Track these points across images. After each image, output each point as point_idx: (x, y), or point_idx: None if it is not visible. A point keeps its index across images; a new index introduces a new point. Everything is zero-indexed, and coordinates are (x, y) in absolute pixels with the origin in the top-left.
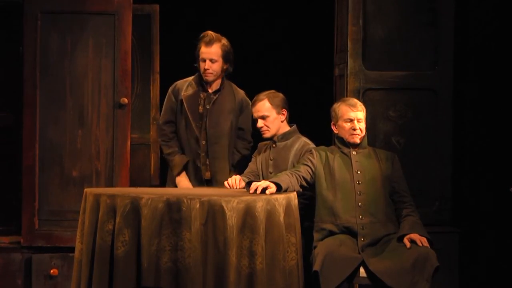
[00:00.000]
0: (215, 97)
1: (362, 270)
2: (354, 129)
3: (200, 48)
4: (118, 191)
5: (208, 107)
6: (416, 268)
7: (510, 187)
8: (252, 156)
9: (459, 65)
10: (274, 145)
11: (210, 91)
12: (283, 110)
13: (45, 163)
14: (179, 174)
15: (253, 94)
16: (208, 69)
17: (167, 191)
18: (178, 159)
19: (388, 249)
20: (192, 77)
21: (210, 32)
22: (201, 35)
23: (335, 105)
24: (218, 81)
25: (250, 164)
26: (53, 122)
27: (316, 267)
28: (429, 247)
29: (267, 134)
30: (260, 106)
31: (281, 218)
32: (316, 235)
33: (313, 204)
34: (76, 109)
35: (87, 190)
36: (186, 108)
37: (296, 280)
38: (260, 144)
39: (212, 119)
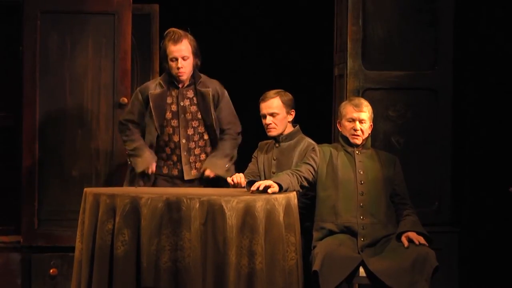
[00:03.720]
0: (188, 93)
1: (361, 270)
2: (355, 130)
3: (168, 47)
4: (118, 190)
5: (182, 103)
6: (416, 268)
7: (510, 187)
8: (252, 156)
9: (458, 65)
10: (277, 145)
11: (181, 86)
12: (292, 110)
13: (44, 163)
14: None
15: (252, 93)
16: (181, 67)
17: (167, 191)
18: (148, 155)
19: (388, 249)
20: (160, 77)
21: (174, 29)
22: (165, 33)
23: (342, 104)
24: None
25: (250, 164)
26: (53, 122)
27: (315, 267)
28: (427, 245)
29: (273, 132)
30: (271, 103)
31: (281, 218)
32: (315, 234)
33: (315, 204)
34: (75, 109)
35: (86, 189)
36: (152, 108)
37: (296, 280)
38: (261, 144)
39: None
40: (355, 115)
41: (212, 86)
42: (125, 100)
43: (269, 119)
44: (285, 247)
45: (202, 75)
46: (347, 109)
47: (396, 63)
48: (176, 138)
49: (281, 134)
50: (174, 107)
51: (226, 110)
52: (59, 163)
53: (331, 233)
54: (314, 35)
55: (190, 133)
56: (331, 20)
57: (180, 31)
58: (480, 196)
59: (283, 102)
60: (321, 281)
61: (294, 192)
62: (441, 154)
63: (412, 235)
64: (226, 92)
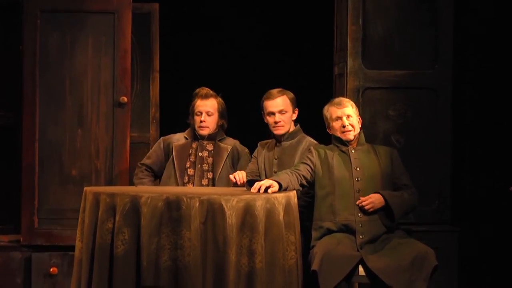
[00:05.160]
0: (208, 146)
1: (361, 268)
2: (344, 126)
3: (195, 102)
4: (118, 189)
5: (201, 154)
6: (415, 266)
7: (510, 186)
8: (252, 156)
9: (458, 64)
10: (278, 144)
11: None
12: (296, 109)
13: (44, 162)
14: None
15: (252, 93)
16: (204, 121)
17: (167, 189)
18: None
19: (388, 246)
20: (186, 131)
21: (205, 88)
22: (196, 90)
23: (324, 109)
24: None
25: (250, 164)
26: (53, 121)
27: (314, 266)
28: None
29: (281, 131)
30: (280, 101)
31: (281, 217)
32: (314, 234)
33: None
34: (75, 107)
35: (86, 188)
36: (175, 157)
37: (296, 279)
38: (261, 143)
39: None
40: (339, 112)
41: (232, 144)
42: (125, 99)
43: (278, 117)
44: (285, 246)
45: (226, 136)
46: (331, 111)
47: (396, 62)
48: (190, 186)
49: (287, 132)
50: (193, 158)
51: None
52: (59, 162)
53: (329, 232)
54: (314, 34)
55: (204, 183)
56: (331, 19)
57: (211, 91)
58: (480, 195)
59: (290, 100)
60: (320, 281)
61: (294, 191)
62: (441, 153)
63: (371, 196)
64: (246, 149)
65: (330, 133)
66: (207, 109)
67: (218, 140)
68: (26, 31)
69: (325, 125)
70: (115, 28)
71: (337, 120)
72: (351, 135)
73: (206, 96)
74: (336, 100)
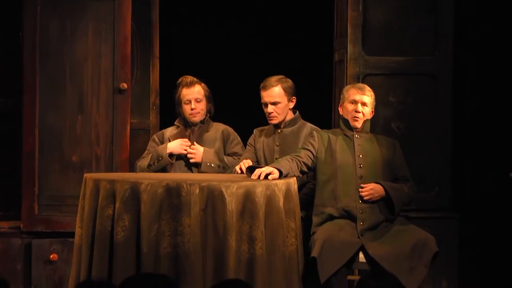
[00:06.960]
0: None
1: (361, 255)
2: (357, 111)
3: (181, 92)
4: (118, 176)
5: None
6: (415, 253)
7: (510, 172)
8: (248, 144)
9: (459, 50)
10: (279, 131)
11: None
12: (293, 98)
13: (45, 148)
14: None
15: (251, 80)
16: (194, 108)
17: (167, 176)
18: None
19: (388, 234)
20: (175, 123)
21: (187, 75)
22: (179, 80)
23: (345, 88)
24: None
25: (245, 153)
26: (53, 108)
27: (314, 253)
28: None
29: (275, 121)
30: (272, 92)
31: (281, 204)
32: (315, 219)
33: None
34: (75, 94)
35: (86, 175)
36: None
37: (296, 266)
38: (256, 130)
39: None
40: (357, 97)
41: (219, 128)
42: (125, 85)
43: (270, 108)
44: (285, 233)
45: (213, 122)
46: (350, 92)
47: (396, 48)
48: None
49: (283, 121)
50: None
51: (240, 145)
52: (59, 148)
53: (331, 217)
54: (314, 20)
55: (194, 171)
56: (331, 5)
57: (193, 78)
58: (480, 181)
59: (284, 90)
60: (320, 268)
61: (294, 178)
62: (441, 139)
63: (372, 187)
64: (236, 134)
65: (340, 113)
66: (195, 96)
67: (206, 124)
68: (26, 17)
69: (339, 103)
70: (115, 15)
71: (352, 103)
72: (358, 123)
73: (191, 84)
74: (360, 85)
